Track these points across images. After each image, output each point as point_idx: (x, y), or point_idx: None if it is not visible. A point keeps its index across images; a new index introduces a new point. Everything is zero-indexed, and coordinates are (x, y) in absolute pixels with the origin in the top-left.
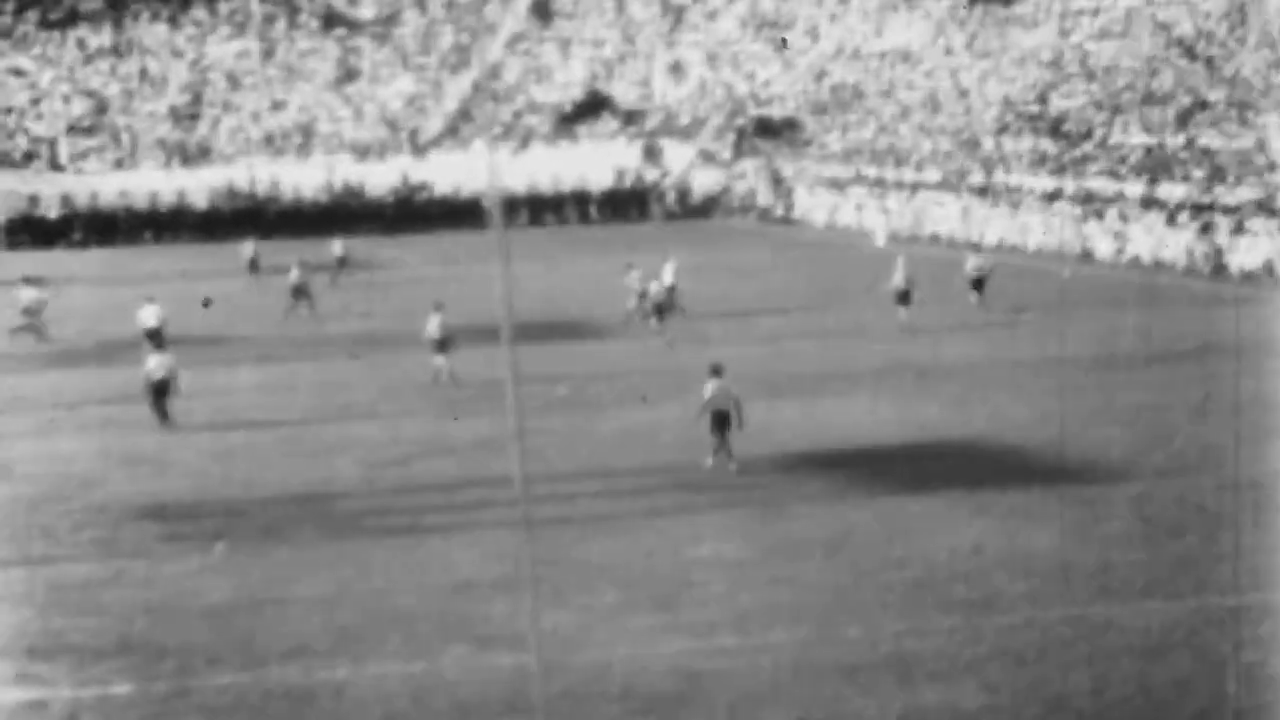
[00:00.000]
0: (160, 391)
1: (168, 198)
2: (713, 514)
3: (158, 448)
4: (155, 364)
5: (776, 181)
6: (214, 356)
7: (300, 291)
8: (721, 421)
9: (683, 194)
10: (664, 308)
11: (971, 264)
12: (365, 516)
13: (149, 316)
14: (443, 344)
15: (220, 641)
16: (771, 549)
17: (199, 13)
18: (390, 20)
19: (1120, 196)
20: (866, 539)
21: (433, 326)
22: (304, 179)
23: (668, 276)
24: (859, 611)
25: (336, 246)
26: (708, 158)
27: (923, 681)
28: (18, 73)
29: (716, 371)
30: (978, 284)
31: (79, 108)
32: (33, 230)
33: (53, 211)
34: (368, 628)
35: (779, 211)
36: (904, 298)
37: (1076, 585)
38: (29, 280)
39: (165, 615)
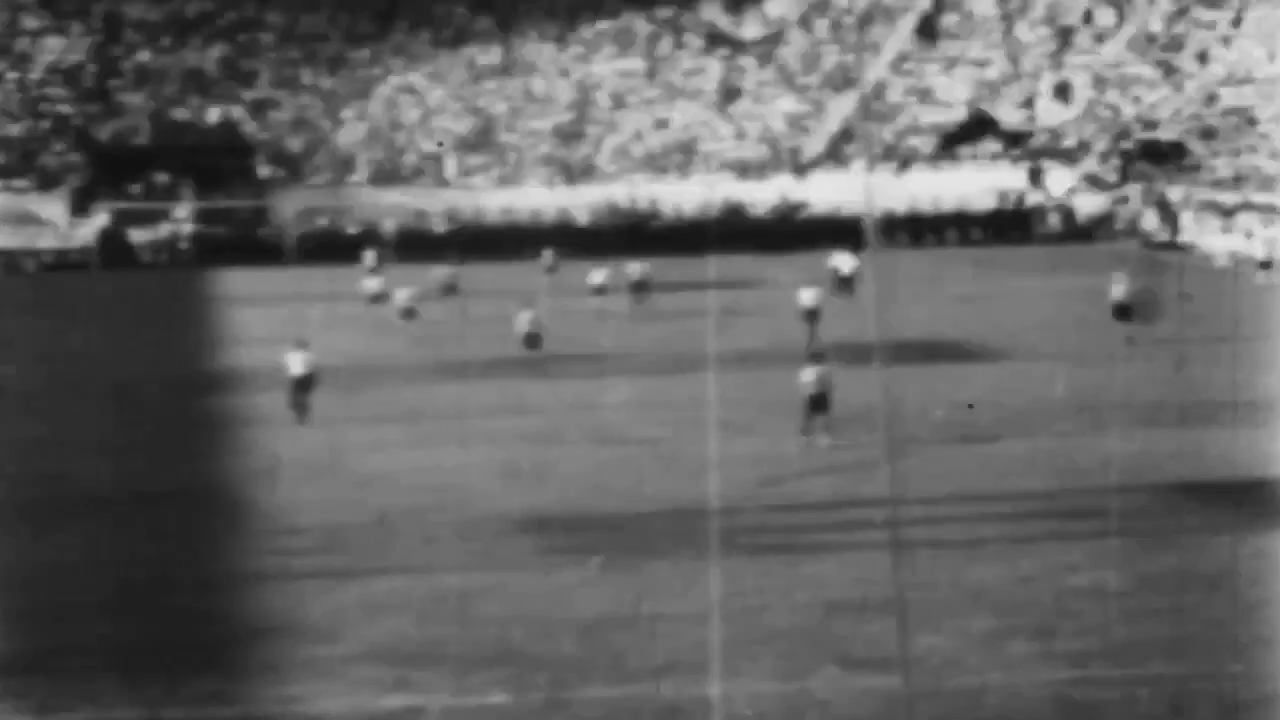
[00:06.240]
0: (303, 387)
1: (551, 214)
2: (1090, 542)
3: (538, 461)
4: (297, 359)
5: (1161, 206)
6: (588, 371)
7: (410, 314)
8: (818, 404)
9: (1066, 217)
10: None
11: None
12: (739, 534)
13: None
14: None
15: (593, 655)
16: (1150, 580)
17: (585, 32)
18: (774, 39)
19: None
20: (1251, 573)
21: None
22: (685, 197)
23: None
24: (1242, 648)
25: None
26: (1092, 181)
27: None
28: (408, 90)
29: (817, 358)
30: None
31: (466, 125)
32: (419, 245)
33: (439, 227)
34: (739, 646)
35: (1163, 237)
36: (1127, 312)
37: None
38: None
39: (540, 627)
